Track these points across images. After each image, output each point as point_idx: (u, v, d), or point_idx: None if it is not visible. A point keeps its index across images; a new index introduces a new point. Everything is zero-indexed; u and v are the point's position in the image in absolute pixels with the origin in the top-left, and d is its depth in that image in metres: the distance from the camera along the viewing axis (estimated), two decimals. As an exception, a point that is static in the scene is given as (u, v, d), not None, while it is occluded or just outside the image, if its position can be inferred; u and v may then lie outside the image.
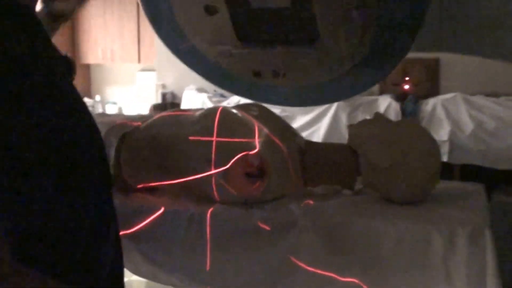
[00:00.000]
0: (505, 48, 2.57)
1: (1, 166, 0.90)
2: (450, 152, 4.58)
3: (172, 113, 1.81)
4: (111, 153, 1.73)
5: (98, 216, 1.10)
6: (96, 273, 1.10)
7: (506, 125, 4.61)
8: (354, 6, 1.82)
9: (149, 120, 1.77)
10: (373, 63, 2.05)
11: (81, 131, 1.03)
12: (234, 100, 4.73)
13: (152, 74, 5.92)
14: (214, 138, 1.62)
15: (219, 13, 1.95)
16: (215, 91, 5.04)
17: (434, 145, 1.69)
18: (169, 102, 5.41)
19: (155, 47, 5.35)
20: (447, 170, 4.54)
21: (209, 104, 4.91)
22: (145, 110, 5.92)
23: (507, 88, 4.85)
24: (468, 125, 4.60)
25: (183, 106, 5.06)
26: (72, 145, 1.00)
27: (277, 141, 1.64)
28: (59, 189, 0.98)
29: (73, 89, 1.09)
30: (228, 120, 1.66)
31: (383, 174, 1.64)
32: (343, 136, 1.81)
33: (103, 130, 1.79)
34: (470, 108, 4.66)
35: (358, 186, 1.74)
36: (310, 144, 1.80)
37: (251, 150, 1.59)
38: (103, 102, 6.89)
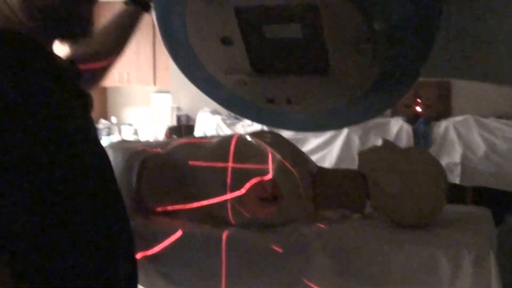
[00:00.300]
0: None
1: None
2: (462, 174, 4.61)
3: (190, 140, 1.91)
4: (133, 177, 1.83)
5: (109, 233, 1.18)
6: None
7: (518, 147, 4.65)
8: (363, 38, 1.89)
9: (169, 147, 1.86)
10: (383, 90, 2.13)
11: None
12: (247, 122, 4.82)
13: (167, 96, 6.03)
14: (230, 165, 1.70)
15: (234, 44, 2.03)
16: (229, 113, 5.14)
17: (440, 171, 1.77)
18: (183, 124, 5.51)
19: (170, 70, 5.47)
20: (460, 193, 4.59)
21: (223, 126, 5.00)
22: (160, 132, 6.02)
23: (520, 110, 4.90)
24: (480, 147, 4.64)
25: (198, 128, 5.16)
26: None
27: (289, 167, 1.72)
28: (67, 210, 1.07)
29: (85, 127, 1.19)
30: (243, 148, 1.74)
31: (391, 199, 1.72)
32: (356, 158, 1.90)
33: (125, 155, 1.89)
34: (482, 130, 4.70)
35: (367, 210, 1.82)
36: (321, 169, 1.88)
37: (264, 176, 1.67)
38: (119, 124, 7.00)
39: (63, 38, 1.19)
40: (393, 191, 1.71)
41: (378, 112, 2.34)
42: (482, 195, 4.54)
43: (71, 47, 1.28)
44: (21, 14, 1.12)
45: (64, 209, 1.06)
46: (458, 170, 4.61)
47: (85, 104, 1.25)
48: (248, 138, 1.80)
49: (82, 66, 1.43)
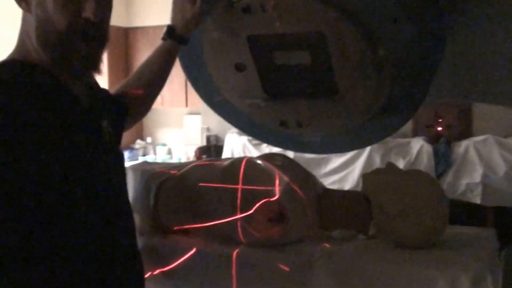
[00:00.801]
0: None
1: None
2: (483, 194, 4.57)
3: (204, 162, 1.95)
4: (151, 198, 1.88)
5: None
6: None
7: (540, 167, 4.59)
8: (369, 64, 1.92)
9: (184, 169, 1.91)
10: (391, 112, 2.15)
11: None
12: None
13: (198, 118, 6.11)
14: (239, 186, 1.74)
15: (247, 70, 2.08)
16: (256, 134, 5.19)
17: (441, 193, 1.77)
18: (213, 145, 5.59)
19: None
20: (480, 212, 4.53)
21: (249, 147, 5.06)
22: (191, 152, 6.10)
23: (540, 129, 4.84)
24: (501, 167, 4.60)
25: (226, 148, 5.23)
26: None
27: (296, 188, 1.75)
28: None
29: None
30: (251, 170, 1.78)
31: (394, 220, 1.73)
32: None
33: (143, 177, 1.95)
34: (502, 150, 4.66)
35: (371, 231, 1.83)
36: (327, 191, 1.90)
37: (272, 197, 1.70)
38: (154, 144, 7.10)
39: (74, 71, 1.26)
40: (395, 212, 1.72)
41: (387, 134, 2.36)
42: (503, 215, 4.48)
43: (82, 77, 1.34)
44: (39, 48, 1.21)
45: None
46: (479, 190, 4.57)
47: (97, 124, 1.31)
48: (257, 161, 1.83)
49: (132, 96, 1.61)
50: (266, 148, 4.87)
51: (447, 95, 2.71)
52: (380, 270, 1.62)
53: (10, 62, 1.24)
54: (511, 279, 1.88)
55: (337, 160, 4.69)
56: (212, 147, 5.51)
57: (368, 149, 4.62)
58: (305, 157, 4.00)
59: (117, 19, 6.83)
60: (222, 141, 5.45)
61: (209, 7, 1.88)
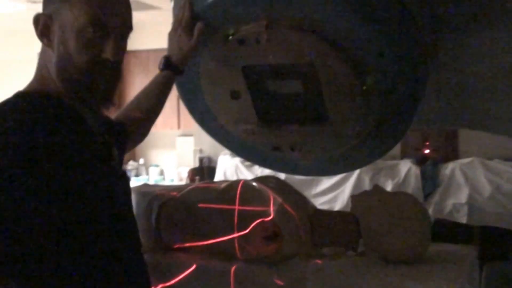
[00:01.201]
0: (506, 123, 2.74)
1: None
2: (469, 214, 4.71)
3: (202, 185, 2.10)
4: (153, 218, 2.01)
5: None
6: None
7: (523, 188, 4.74)
8: (357, 92, 2.06)
9: (183, 191, 2.05)
10: (379, 137, 2.29)
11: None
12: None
13: (191, 139, 6.24)
14: (236, 207, 1.88)
15: (242, 97, 2.21)
16: (247, 156, 5.32)
17: (424, 213, 1.93)
18: (205, 166, 5.70)
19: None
20: (467, 232, 4.68)
21: (241, 168, 5.19)
22: (184, 173, 6.21)
23: (524, 153, 4.99)
24: (486, 189, 4.74)
25: (218, 169, 5.35)
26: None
27: (289, 209, 1.89)
28: None
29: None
30: (247, 192, 1.92)
31: (381, 238, 1.88)
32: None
33: (146, 199, 2.08)
34: (487, 172, 4.81)
35: (360, 248, 1.97)
36: (318, 211, 2.05)
37: (266, 217, 1.84)
38: (147, 165, 7.21)
39: (92, 104, 1.40)
40: (382, 231, 1.87)
41: (375, 158, 2.50)
42: (488, 234, 4.62)
43: (98, 110, 1.47)
44: (58, 82, 1.34)
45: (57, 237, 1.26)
46: (465, 210, 4.71)
47: (108, 151, 1.45)
48: (253, 183, 1.97)
49: (132, 122, 1.74)
50: (258, 170, 4.99)
51: (434, 123, 2.86)
52: (369, 284, 1.76)
53: (31, 93, 1.36)
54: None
55: (327, 182, 4.83)
56: (205, 169, 5.63)
57: (357, 170, 4.76)
58: (296, 179, 4.13)
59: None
60: (215, 162, 5.58)
61: (205, 40, 2.02)
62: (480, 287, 1.95)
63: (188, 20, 1.93)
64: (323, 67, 2.03)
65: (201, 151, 5.85)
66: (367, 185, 4.71)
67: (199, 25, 1.92)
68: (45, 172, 1.23)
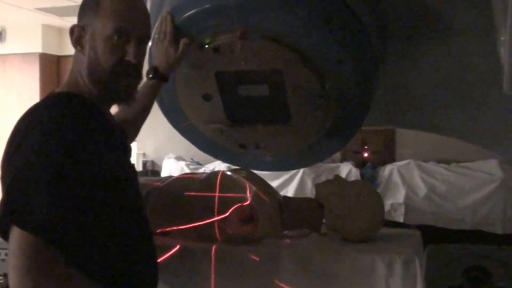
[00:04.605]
0: (452, 126, 3.18)
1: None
2: (406, 213, 5.21)
3: (183, 176, 2.47)
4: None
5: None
6: None
7: (456, 189, 5.26)
8: (318, 94, 2.47)
9: (167, 181, 2.41)
10: (334, 135, 2.71)
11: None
12: (209, 168, 5.36)
13: (134, 144, 6.53)
14: (216, 194, 2.26)
15: (213, 99, 2.56)
16: (192, 159, 5.68)
17: (379, 198, 2.38)
18: (149, 169, 6.02)
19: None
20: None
21: (187, 171, 5.53)
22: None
23: (457, 155, 5.51)
24: (422, 189, 5.26)
25: (163, 173, 5.68)
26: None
27: (262, 195, 2.28)
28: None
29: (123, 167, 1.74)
30: (226, 181, 2.31)
31: (341, 220, 2.31)
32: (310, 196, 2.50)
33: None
34: (423, 174, 5.33)
35: (323, 229, 2.40)
36: (286, 198, 2.46)
37: (244, 202, 2.23)
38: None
39: (115, 102, 1.75)
40: (342, 214, 2.30)
41: (330, 153, 2.94)
42: (423, 232, 5.11)
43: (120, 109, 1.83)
44: (89, 83, 1.68)
45: (102, 217, 1.59)
46: (402, 209, 5.21)
47: (126, 149, 1.80)
48: (230, 173, 2.36)
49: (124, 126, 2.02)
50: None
51: (382, 122, 3.31)
52: (332, 258, 2.18)
53: (67, 94, 1.69)
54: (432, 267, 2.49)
55: (272, 183, 5.21)
56: (149, 172, 5.94)
57: (300, 173, 5.21)
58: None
59: (50, 47, 7.22)
60: (158, 166, 5.90)
61: (189, 51, 2.35)
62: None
63: (172, 33, 2.28)
64: (289, 73, 2.43)
65: (144, 155, 6.16)
66: (309, 187, 5.16)
67: (184, 40, 2.27)
68: (92, 165, 1.53)
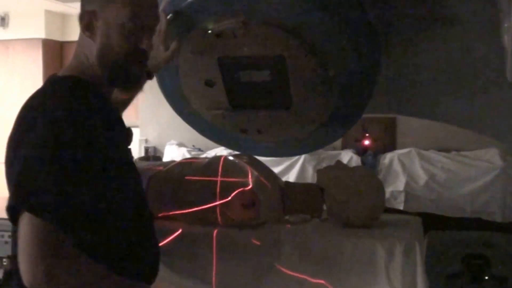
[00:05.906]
0: (454, 114, 3.18)
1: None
2: (406, 201, 5.19)
3: (185, 161, 2.48)
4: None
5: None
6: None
7: (456, 177, 5.24)
8: (320, 82, 2.47)
9: (169, 166, 2.42)
10: (336, 122, 2.71)
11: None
12: (210, 154, 5.35)
13: (136, 130, 6.53)
14: (219, 178, 2.26)
15: (216, 86, 2.56)
16: (193, 146, 5.66)
17: (379, 185, 2.38)
18: (151, 155, 6.00)
19: (138, 106, 5.98)
20: (403, 217, 5.19)
21: (188, 157, 5.54)
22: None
23: (457, 144, 5.50)
24: (422, 177, 5.23)
25: (165, 159, 5.66)
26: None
27: (264, 180, 2.29)
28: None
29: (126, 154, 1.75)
30: (228, 165, 2.31)
31: (342, 206, 2.31)
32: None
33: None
34: (423, 162, 5.30)
35: (324, 215, 2.40)
36: (288, 183, 2.47)
37: (245, 187, 2.23)
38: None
39: (123, 88, 1.74)
40: (343, 199, 2.30)
41: (332, 140, 2.94)
42: (424, 220, 5.12)
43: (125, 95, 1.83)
44: (99, 68, 1.67)
45: (106, 201, 1.58)
46: (402, 197, 5.18)
47: (127, 133, 1.80)
48: (232, 158, 2.36)
49: None
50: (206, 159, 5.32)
51: (384, 110, 3.30)
52: (333, 243, 2.19)
53: (74, 78, 1.67)
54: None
55: (273, 170, 5.22)
56: (151, 158, 5.92)
57: (301, 160, 5.18)
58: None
59: (53, 33, 7.20)
60: (160, 152, 5.88)
61: (179, 52, 2.32)
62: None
63: (164, 32, 2.26)
64: (292, 59, 2.42)
65: (146, 141, 6.14)
66: (310, 174, 5.14)
67: (175, 44, 2.23)
68: (99, 150, 1.53)
